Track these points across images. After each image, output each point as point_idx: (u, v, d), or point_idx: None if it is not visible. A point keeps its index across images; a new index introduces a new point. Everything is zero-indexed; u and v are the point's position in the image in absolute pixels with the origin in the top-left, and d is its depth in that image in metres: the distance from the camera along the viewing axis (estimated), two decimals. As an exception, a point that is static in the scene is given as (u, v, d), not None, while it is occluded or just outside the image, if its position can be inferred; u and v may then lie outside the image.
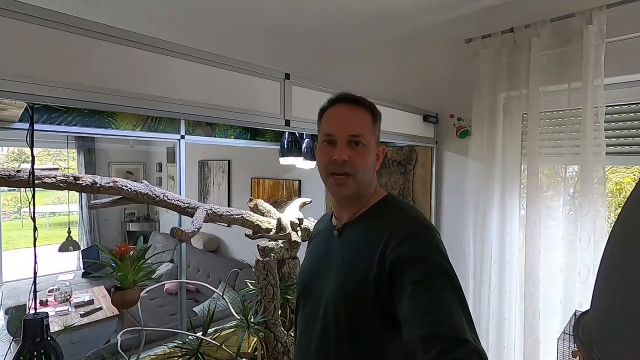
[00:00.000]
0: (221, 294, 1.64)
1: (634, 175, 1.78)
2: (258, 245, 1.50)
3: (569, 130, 1.60)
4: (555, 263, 1.70)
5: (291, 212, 1.66)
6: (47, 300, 3.13)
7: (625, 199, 0.33)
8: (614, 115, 1.59)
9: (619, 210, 0.34)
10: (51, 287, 3.25)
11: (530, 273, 1.67)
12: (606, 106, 1.50)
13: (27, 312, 0.94)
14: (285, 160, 1.81)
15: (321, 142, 0.83)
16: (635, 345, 0.27)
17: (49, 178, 1.17)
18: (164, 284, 3.62)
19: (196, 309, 3.23)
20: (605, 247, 0.34)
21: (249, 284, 1.58)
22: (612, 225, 0.34)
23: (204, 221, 1.42)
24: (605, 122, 1.49)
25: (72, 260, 5.06)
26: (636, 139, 1.55)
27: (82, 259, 4.68)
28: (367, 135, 0.80)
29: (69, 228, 3.20)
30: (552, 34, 1.60)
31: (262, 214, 1.66)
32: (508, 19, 1.75)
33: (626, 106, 1.56)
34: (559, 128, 1.69)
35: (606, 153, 1.50)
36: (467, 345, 0.57)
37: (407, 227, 0.74)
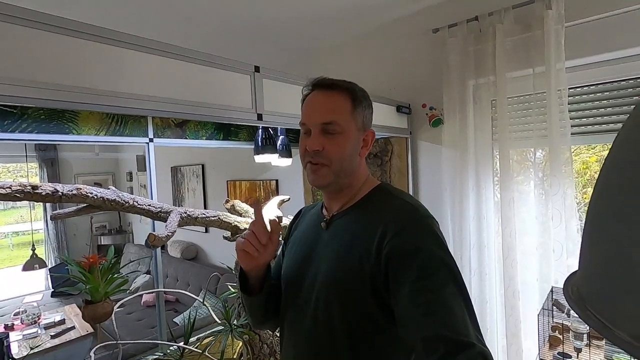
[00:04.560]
0: (202, 301, 1.58)
1: (597, 154, 1.87)
2: (237, 246, 1.46)
3: (536, 114, 1.65)
4: (531, 243, 1.75)
5: (270, 211, 1.62)
6: (12, 324, 2.92)
7: (604, 159, 0.32)
8: (577, 97, 1.65)
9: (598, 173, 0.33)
10: (17, 310, 3.04)
11: (508, 255, 1.71)
12: (569, 88, 1.56)
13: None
14: (260, 158, 1.77)
15: (301, 132, 0.79)
16: (622, 300, 0.26)
17: (3, 189, 1.08)
18: (141, 296, 3.48)
19: (177, 319, 3.12)
20: (588, 207, 0.33)
21: (230, 287, 1.53)
22: (594, 185, 0.33)
23: (179, 225, 1.36)
24: (569, 104, 1.55)
25: (40, 280, 4.78)
26: (598, 118, 1.62)
27: (51, 277, 4.42)
28: (343, 121, 0.75)
29: (33, 245, 3.01)
30: (515, 21, 1.65)
31: (240, 215, 1.62)
32: (473, 7, 1.79)
33: (587, 87, 1.62)
34: (526, 112, 1.75)
35: (571, 134, 1.56)
36: (471, 349, 0.55)
37: (402, 216, 0.71)
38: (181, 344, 1.40)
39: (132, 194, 1.37)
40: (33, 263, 2.93)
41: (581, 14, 1.50)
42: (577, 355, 1.28)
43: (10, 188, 1.09)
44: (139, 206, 1.35)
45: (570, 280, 0.35)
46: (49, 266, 4.50)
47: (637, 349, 0.24)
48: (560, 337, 1.40)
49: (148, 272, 4.32)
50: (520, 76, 1.68)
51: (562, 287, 0.39)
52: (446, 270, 0.64)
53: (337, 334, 0.70)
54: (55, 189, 1.17)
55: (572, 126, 1.58)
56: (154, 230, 1.49)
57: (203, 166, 3.95)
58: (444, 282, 0.62)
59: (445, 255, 0.66)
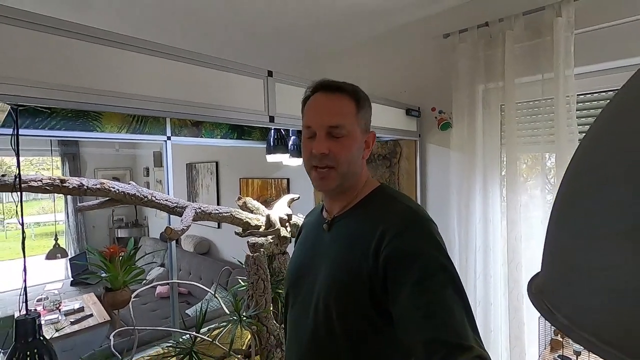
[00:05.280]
0: (213, 293, 1.65)
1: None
2: (248, 242, 1.52)
3: (544, 120, 1.66)
4: (537, 248, 1.77)
5: (280, 209, 1.68)
6: (35, 310, 3.08)
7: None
8: (586, 104, 1.66)
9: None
10: (39, 297, 3.20)
11: (513, 258, 1.73)
12: (577, 95, 1.57)
13: (18, 314, 0.94)
14: (272, 158, 1.83)
15: (304, 134, 0.79)
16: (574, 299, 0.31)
17: (35, 182, 1.17)
18: (155, 287, 3.60)
19: (189, 311, 3.22)
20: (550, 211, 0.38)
21: (240, 281, 1.60)
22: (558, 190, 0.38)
23: (193, 220, 1.44)
24: (577, 110, 1.56)
25: (60, 270, 4.98)
26: (607, 125, 1.62)
27: (71, 266, 4.61)
28: (349, 124, 0.75)
29: (56, 235, 3.16)
30: (525, 27, 1.66)
31: (251, 212, 1.68)
32: (483, 13, 1.81)
33: (596, 94, 1.63)
34: (534, 117, 1.76)
35: (579, 140, 1.56)
36: (470, 352, 0.55)
37: (402, 219, 0.71)
38: (192, 332, 1.47)
39: (149, 189, 1.45)
40: (56, 252, 3.08)
41: (591, 21, 1.51)
42: (577, 358, 1.30)
43: (42, 181, 1.18)
44: (156, 201, 1.43)
45: (534, 279, 0.40)
46: (70, 256, 4.69)
47: (573, 331, 0.29)
48: (562, 340, 1.43)
49: (162, 265, 4.46)
50: (529, 82, 1.70)
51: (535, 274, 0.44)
52: (446, 273, 0.64)
53: (337, 334, 0.71)
54: (80, 183, 1.26)
55: (580, 132, 1.58)
56: (169, 224, 1.57)
57: (217, 163, 4.06)
58: (443, 285, 0.62)
59: (445, 259, 0.66)
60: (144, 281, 3.90)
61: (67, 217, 5.10)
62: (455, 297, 0.62)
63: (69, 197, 4.95)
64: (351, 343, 0.70)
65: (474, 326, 0.61)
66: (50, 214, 5.64)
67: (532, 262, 1.77)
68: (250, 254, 1.44)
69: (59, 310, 3.10)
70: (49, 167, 5.62)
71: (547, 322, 1.43)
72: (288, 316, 0.86)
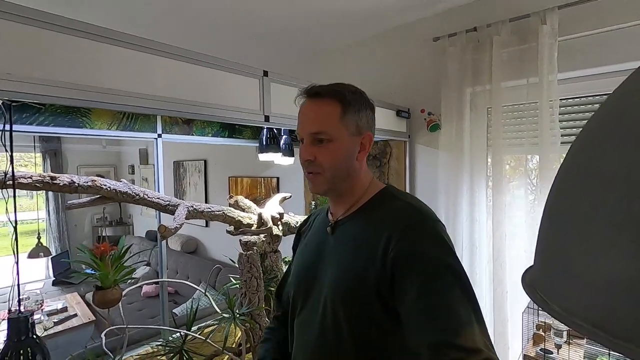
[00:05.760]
0: (204, 292, 1.65)
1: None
2: (240, 240, 1.53)
3: (529, 122, 1.73)
4: (520, 246, 1.83)
5: (272, 207, 1.70)
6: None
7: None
8: (568, 108, 1.73)
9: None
10: (21, 296, 3.11)
11: (498, 256, 1.79)
12: (560, 99, 1.63)
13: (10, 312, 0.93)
14: (264, 157, 1.84)
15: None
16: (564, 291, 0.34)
17: (25, 179, 1.16)
18: (142, 286, 3.55)
19: (176, 310, 3.19)
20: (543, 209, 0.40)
21: (232, 279, 1.60)
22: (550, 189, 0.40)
23: (185, 218, 1.44)
24: (560, 114, 1.63)
25: (41, 269, 4.84)
26: (587, 129, 1.69)
27: (52, 266, 4.48)
28: (332, 129, 0.74)
29: (39, 233, 3.07)
30: (511, 33, 1.72)
31: (243, 210, 1.69)
32: (472, 18, 1.87)
33: (578, 99, 1.70)
34: (519, 120, 1.83)
35: (561, 142, 1.63)
36: (478, 354, 0.54)
37: (408, 220, 0.70)
38: (183, 330, 1.47)
39: (135, 186, 1.44)
40: (38, 251, 2.99)
41: (573, 29, 1.58)
42: (558, 351, 1.36)
43: (31, 178, 1.16)
44: (148, 199, 1.42)
45: (527, 271, 0.43)
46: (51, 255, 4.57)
47: (565, 317, 0.32)
48: (544, 334, 1.49)
49: (148, 264, 4.39)
50: (514, 86, 1.76)
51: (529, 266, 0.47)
52: (453, 275, 0.63)
53: (344, 338, 0.71)
54: (72, 180, 1.25)
55: (562, 135, 1.65)
56: (159, 222, 1.56)
57: (205, 162, 4.02)
58: (450, 287, 0.61)
59: (452, 260, 0.65)
60: (130, 280, 3.84)
61: (49, 215, 4.96)
62: (463, 298, 0.61)
63: (50, 194, 4.81)
64: (358, 346, 0.70)
65: (483, 328, 0.59)
66: (27, 212, 5.46)
67: (516, 260, 1.84)
68: (244, 252, 1.45)
69: (42, 310, 3.03)
70: (27, 163, 5.42)
71: (529, 318, 1.49)
72: (294, 320, 0.85)
